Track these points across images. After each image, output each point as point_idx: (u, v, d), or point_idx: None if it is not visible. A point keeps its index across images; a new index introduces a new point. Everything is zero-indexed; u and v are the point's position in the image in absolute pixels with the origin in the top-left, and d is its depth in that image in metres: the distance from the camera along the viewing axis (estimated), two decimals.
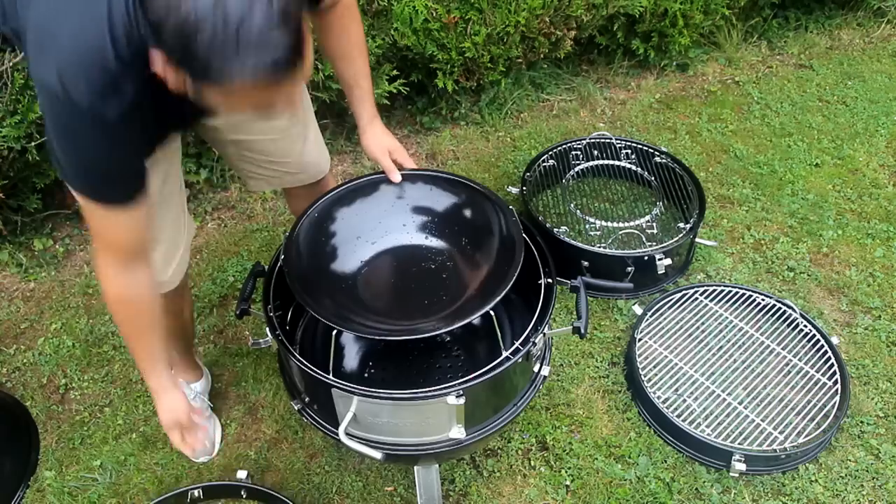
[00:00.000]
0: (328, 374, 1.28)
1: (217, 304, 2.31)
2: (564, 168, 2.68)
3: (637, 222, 2.43)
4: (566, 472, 1.86)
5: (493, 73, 2.89)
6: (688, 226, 2.33)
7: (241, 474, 1.77)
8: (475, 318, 1.25)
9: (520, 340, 1.32)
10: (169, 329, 1.83)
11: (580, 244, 2.27)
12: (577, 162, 2.69)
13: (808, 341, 2.12)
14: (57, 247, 2.55)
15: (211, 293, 2.34)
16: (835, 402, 1.95)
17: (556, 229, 2.35)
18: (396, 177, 1.53)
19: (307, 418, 1.43)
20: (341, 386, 1.26)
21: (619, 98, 3.28)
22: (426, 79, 2.90)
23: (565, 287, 1.43)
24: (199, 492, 1.78)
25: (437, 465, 1.62)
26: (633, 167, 2.67)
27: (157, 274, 1.53)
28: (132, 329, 1.37)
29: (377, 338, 1.26)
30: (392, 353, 1.59)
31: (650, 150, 2.67)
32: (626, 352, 2.13)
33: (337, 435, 1.30)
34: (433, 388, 1.25)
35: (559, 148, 2.70)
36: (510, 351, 1.29)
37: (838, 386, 1.98)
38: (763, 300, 2.22)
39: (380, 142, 1.57)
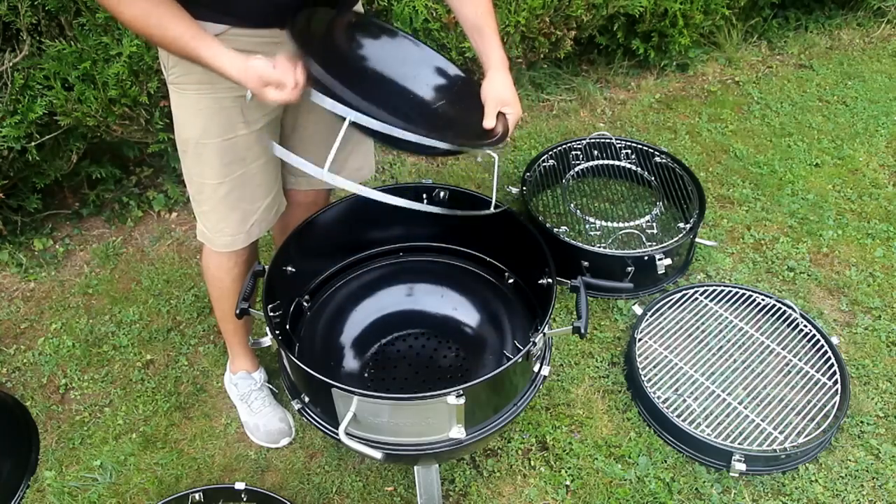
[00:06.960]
0: (328, 374, 1.28)
1: None
2: (564, 168, 2.68)
3: (637, 222, 2.43)
4: (566, 472, 1.86)
5: None
6: (688, 226, 2.33)
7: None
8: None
9: (519, 340, 1.32)
10: (231, 308, 1.78)
11: (580, 244, 2.27)
12: (577, 162, 2.69)
13: (808, 341, 2.12)
14: (57, 247, 2.55)
15: None
16: (835, 402, 1.95)
17: (556, 229, 2.35)
18: (489, 122, 1.46)
19: (307, 418, 1.43)
20: (341, 386, 1.26)
21: (619, 98, 3.28)
22: None
23: (565, 287, 1.43)
24: (199, 495, 1.78)
25: (437, 465, 1.62)
26: (633, 167, 2.67)
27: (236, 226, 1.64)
28: None
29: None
30: (393, 351, 1.59)
31: (650, 150, 2.67)
32: (626, 352, 2.13)
33: (337, 435, 1.30)
34: (433, 387, 1.25)
35: (559, 148, 2.70)
36: (510, 351, 1.30)
37: (838, 386, 1.98)
38: (763, 300, 2.22)
39: (497, 91, 1.47)
